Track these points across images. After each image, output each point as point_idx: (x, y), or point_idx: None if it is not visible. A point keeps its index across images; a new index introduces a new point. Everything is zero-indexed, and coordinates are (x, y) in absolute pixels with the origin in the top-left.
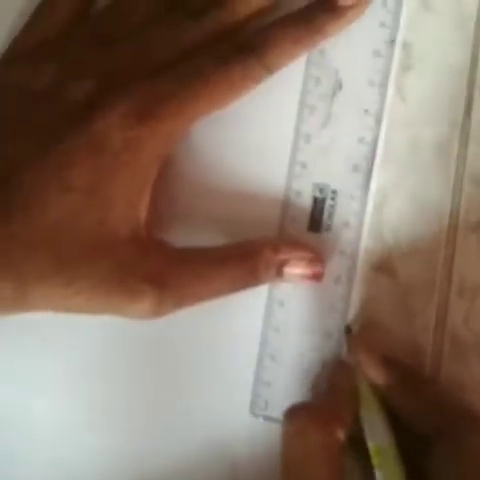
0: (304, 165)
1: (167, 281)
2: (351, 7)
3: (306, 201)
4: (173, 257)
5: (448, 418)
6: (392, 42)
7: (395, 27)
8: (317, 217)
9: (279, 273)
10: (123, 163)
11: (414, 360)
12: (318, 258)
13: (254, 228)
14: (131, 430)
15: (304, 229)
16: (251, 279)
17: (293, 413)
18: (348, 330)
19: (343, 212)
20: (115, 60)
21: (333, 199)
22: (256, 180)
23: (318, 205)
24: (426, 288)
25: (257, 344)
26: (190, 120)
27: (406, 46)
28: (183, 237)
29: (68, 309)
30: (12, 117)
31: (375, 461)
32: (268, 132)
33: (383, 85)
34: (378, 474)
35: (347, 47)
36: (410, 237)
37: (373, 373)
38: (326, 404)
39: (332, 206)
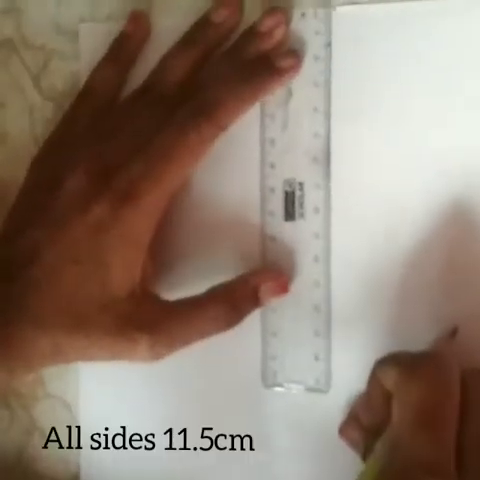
0: (273, 165)
1: (158, 328)
2: (290, 68)
3: (279, 196)
4: (163, 307)
5: None
6: (328, 45)
7: (328, 32)
8: (290, 208)
9: (256, 300)
10: (116, 238)
11: None
12: (280, 273)
13: (239, 227)
14: None
15: (282, 220)
16: (233, 314)
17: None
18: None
19: (311, 200)
20: (104, 153)
21: (301, 190)
22: (234, 185)
23: (289, 197)
24: None
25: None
26: (166, 191)
27: None
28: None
29: (88, 358)
30: (34, 205)
31: None
32: (238, 141)
33: (327, 84)
34: None
35: None
36: None
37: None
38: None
39: (301, 196)
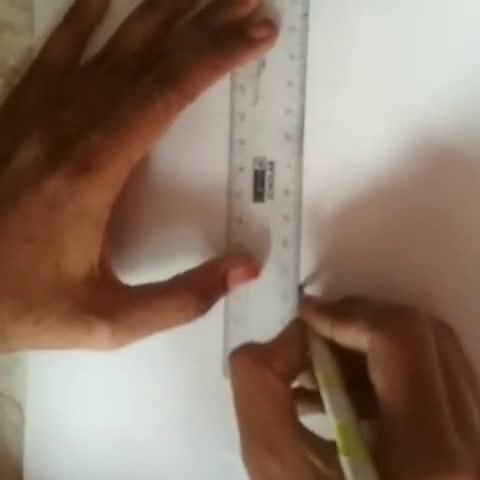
0: (242, 142)
1: (119, 315)
2: (264, 39)
3: (248, 175)
4: (124, 292)
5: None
6: (305, 16)
7: (305, 2)
8: (259, 188)
9: (225, 286)
10: (72, 214)
11: None
12: (250, 258)
13: (204, 206)
14: None
15: (250, 201)
16: (201, 303)
17: (236, 352)
18: (300, 289)
19: (282, 180)
20: (60, 122)
21: (271, 170)
22: (200, 161)
23: (259, 177)
24: None
25: (222, 312)
26: (126, 163)
27: None
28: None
29: (40, 346)
30: None
31: (340, 443)
32: (206, 114)
33: (302, 56)
34: (344, 461)
35: None
36: None
37: (319, 324)
38: (268, 343)
39: (271, 176)
